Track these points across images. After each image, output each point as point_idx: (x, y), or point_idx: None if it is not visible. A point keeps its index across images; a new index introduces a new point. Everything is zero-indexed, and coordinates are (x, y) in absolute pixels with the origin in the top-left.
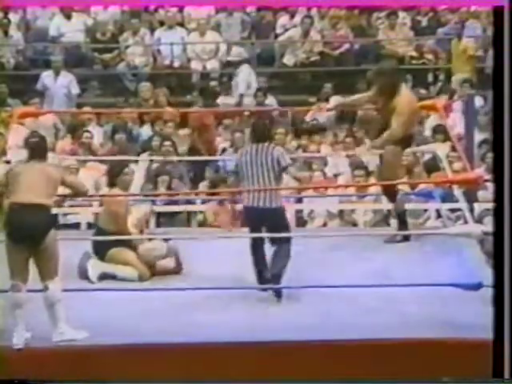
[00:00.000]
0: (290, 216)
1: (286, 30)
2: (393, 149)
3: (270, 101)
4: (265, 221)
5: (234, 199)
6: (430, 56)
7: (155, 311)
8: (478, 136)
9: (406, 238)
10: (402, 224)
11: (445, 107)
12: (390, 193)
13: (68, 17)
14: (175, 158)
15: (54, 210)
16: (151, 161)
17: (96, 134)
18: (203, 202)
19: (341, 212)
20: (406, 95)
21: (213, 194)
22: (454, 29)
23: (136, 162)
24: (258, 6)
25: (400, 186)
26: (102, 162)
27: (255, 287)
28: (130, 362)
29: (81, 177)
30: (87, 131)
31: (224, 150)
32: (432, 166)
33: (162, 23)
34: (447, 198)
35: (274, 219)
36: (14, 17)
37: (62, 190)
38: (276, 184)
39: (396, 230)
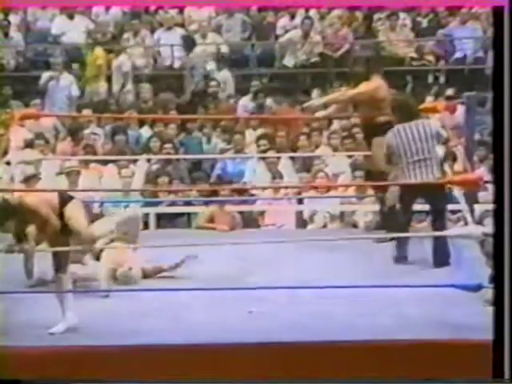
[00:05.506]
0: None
1: (287, 31)
2: (377, 140)
3: (269, 102)
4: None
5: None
6: (430, 57)
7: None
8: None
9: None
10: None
11: (447, 108)
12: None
13: (70, 16)
14: (174, 157)
15: None
16: (148, 161)
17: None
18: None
19: (341, 213)
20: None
21: (212, 192)
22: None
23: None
24: (258, 6)
25: None
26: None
27: (256, 287)
28: (130, 361)
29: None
30: (94, 133)
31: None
32: None
33: (162, 24)
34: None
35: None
36: (14, 18)
37: None
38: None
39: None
